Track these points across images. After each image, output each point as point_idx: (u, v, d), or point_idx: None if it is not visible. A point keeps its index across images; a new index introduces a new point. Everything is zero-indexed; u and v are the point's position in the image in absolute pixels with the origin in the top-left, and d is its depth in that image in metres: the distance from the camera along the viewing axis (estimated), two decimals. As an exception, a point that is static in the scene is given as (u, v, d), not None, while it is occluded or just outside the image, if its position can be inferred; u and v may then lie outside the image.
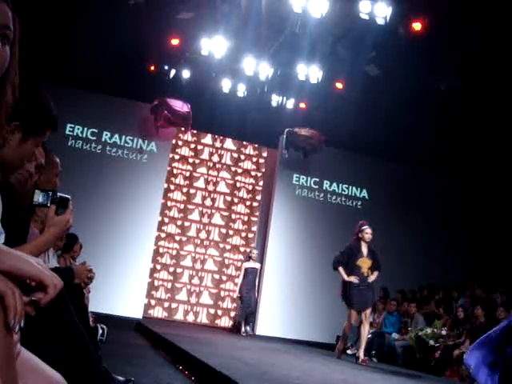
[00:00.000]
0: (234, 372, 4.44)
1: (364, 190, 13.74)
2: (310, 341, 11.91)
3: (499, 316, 8.67)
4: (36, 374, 1.37)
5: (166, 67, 12.31)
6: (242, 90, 12.94)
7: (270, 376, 4.91)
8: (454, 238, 13.54)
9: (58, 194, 2.28)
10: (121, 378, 3.43)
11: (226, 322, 13.22)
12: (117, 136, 12.56)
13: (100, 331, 6.35)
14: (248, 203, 13.92)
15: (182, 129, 13.06)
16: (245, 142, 14.11)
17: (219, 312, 13.24)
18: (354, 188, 13.83)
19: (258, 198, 13.96)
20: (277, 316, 12.38)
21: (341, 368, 7.40)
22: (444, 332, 9.14)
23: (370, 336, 10.53)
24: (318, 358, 8.77)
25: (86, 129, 12.36)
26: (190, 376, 5.13)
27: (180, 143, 13.62)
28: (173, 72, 12.34)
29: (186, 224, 13.34)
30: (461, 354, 8.52)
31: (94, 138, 12.41)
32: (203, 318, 13.08)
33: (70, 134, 12.23)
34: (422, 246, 13.29)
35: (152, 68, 12.18)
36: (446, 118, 11.94)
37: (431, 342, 9.08)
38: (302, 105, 13.31)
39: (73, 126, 12.26)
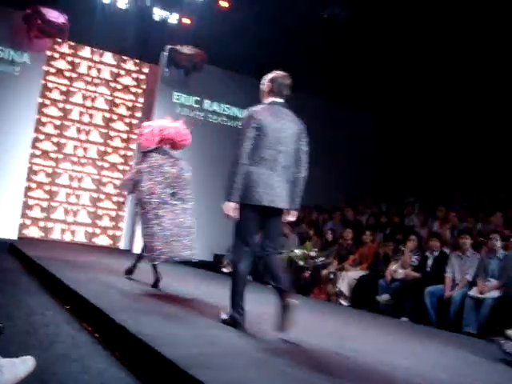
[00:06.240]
0: (105, 303, 4.49)
1: (245, 111, 13.77)
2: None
3: (365, 239, 9.28)
4: None
5: (40, -28, 11.46)
6: (123, 1, 12.41)
7: (142, 305, 5.00)
8: (328, 162, 14.07)
9: None
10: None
11: (103, 240, 13.16)
12: (-15, 46, 11.68)
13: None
14: (127, 120, 13.62)
15: (59, 40, 12.37)
16: (125, 57, 13.63)
17: (97, 230, 13.14)
18: (235, 108, 13.86)
19: (138, 115, 13.68)
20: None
21: (220, 282, 7.63)
22: (313, 253, 9.66)
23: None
24: (195, 277, 9.02)
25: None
26: (63, 305, 5.12)
27: (56, 55, 12.91)
28: (48, -22, 11.52)
29: (63, 141, 12.89)
30: (328, 273, 9.10)
31: (-40, 48, 11.48)
32: (81, 237, 12.94)
33: None
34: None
35: (24, -27, 11.31)
36: (332, 45, 12.11)
37: (301, 263, 9.58)
38: (186, 20, 12.99)
39: None
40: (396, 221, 10.51)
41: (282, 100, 4.49)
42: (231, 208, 4.21)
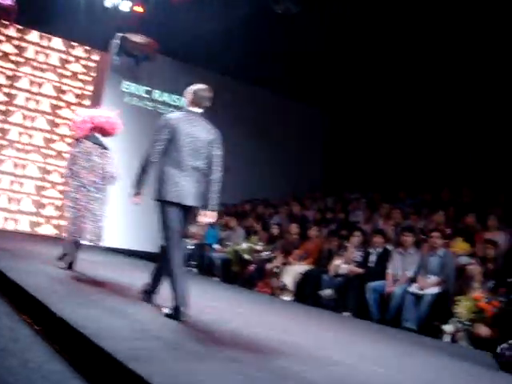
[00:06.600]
0: (46, 294, 4.41)
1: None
2: (141, 250, 11.96)
3: (311, 234, 9.38)
4: None
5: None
6: (74, -14, 12.12)
7: (84, 297, 4.93)
8: (276, 157, 14.17)
9: None
10: None
11: (48, 229, 12.90)
12: None
13: None
14: (75, 108, 13.35)
15: (5, 22, 12.06)
16: (74, 43, 13.38)
17: (41, 220, 12.87)
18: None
19: (86, 103, 13.45)
20: (108, 227, 12.27)
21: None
22: (259, 247, 9.71)
23: (192, 247, 10.90)
24: (140, 269, 8.91)
25: None
26: (2, 296, 4.99)
27: (2, 38, 12.59)
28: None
29: (7, 127, 12.59)
30: (273, 267, 9.16)
31: None
32: (24, 226, 12.66)
33: None
34: (251, 162, 13.70)
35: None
36: (283, 38, 12.12)
37: (246, 257, 9.62)
38: (138, 8, 12.79)
39: None
40: (341, 217, 10.65)
41: (200, 110, 4.78)
42: (132, 197, 4.81)
